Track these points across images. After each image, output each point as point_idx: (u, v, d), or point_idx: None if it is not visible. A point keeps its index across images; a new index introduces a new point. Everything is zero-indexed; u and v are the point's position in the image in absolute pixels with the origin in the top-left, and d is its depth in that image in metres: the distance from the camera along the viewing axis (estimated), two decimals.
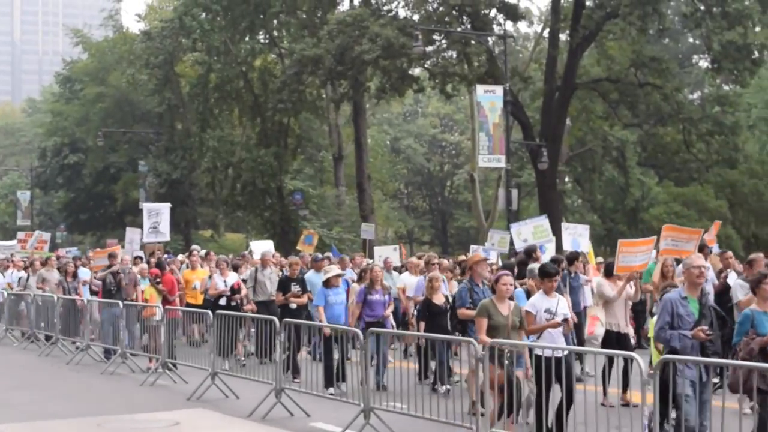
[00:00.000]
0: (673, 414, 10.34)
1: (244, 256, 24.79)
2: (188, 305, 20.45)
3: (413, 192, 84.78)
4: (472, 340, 11.36)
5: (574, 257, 17.55)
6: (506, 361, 10.38)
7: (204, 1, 49.58)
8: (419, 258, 21.84)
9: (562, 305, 11.65)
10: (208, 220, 68.65)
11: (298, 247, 31.94)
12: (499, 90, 35.49)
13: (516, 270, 15.75)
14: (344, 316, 16.13)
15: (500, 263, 21.15)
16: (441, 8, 40.37)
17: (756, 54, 38.03)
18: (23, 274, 26.03)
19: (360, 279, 18.08)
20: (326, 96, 48.98)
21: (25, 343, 22.91)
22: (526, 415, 11.29)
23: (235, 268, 21.10)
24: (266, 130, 51.00)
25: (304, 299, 17.74)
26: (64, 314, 21.38)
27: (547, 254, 21.12)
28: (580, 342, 14.96)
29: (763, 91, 56.48)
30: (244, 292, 19.51)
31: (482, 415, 10.40)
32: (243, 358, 17.97)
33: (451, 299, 15.65)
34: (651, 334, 11.63)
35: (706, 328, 9.66)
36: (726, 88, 50.84)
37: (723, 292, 15.03)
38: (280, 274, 19.34)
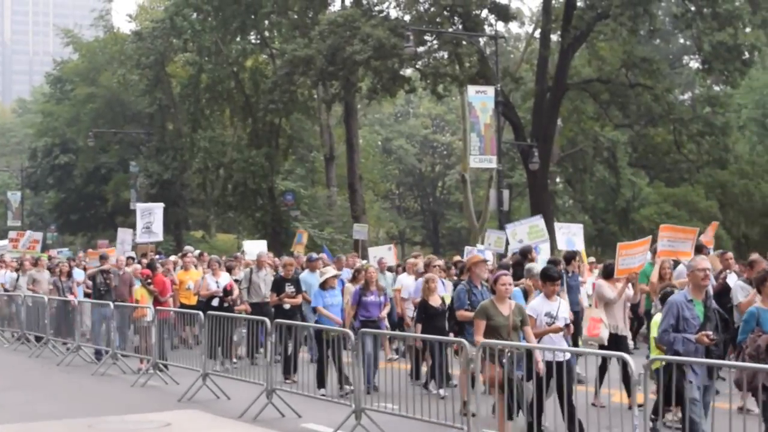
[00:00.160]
0: (669, 416, 10.35)
1: (237, 257, 24.75)
2: (182, 306, 20.40)
3: (404, 192, 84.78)
4: (464, 340, 11.36)
5: (571, 256, 17.57)
6: (505, 361, 10.28)
7: (195, 2, 49.53)
8: (416, 257, 21.79)
9: (563, 309, 11.57)
10: (199, 221, 68.55)
11: (292, 249, 31.94)
12: (490, 90, 35.51)
13: (511, 270, 15.71)
14: (340, 317, 16.15)
15: (495, 263, 21.21)
16: (432, 9, 40.38)
17: (746, 55, 38.14)
18: (14, 275, 25.95)
19: (354, 279, 17.98)
20: (317, 96, 48.98)
21: (15, 344, 22.86)
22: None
23: (229, 270, 21.04)
24: (257, 131, 50.99)
25: (299, 300, 17.71)
26: (56, 315, 21.34)
27: (542, 254, 21.17)
28: (576, 343, 14.97)
29: (753, 91, 56.61)
30: (236, 293, 19.47)
31: (473, 415, 10.41)
32: (236, 361, 17.93)
33: (447, 300, 15.68)
34: (654, 334, 11.61)
35: (710, 333, 9.55)
36: (716, 88, 50.95)
37: (722, 292, 15.02)
38: (275, 275, 19.29)
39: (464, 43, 39.77)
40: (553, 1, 43.01)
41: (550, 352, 10.48)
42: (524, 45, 58.54)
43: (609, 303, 14.00)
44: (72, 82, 66.18)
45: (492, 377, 10.34)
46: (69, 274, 23.58)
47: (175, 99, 55.32)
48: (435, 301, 15.38)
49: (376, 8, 43.23)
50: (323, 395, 13.87)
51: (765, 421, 9.53)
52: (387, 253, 26.29)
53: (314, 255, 21.38)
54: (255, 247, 29.55)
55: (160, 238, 28.04)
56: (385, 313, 16.52)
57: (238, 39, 51.88)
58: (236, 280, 20.12)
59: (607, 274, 14.58)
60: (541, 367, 10.35)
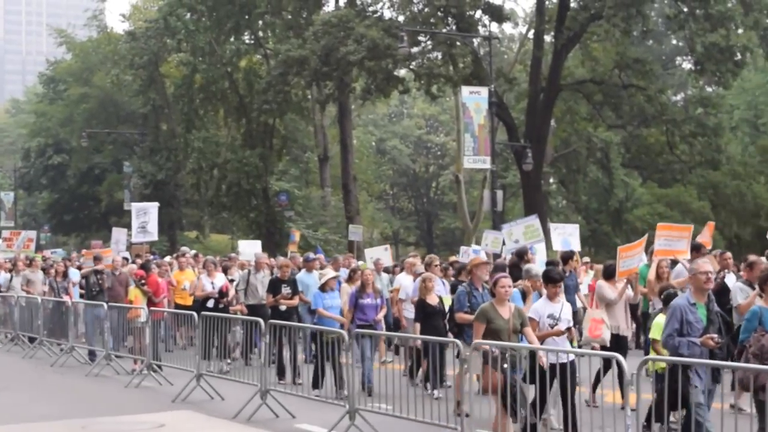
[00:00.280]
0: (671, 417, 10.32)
1: (231, 257, 24.71)
2: (177, 306, 20.39)
3: (399, 193, 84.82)
4: (457, 341, 11.36)
5: (568, 256, 17.54)
6: (506, 365, 10.21)
7: (189, 2, 49.51)
8: (414, 257, 21.75)
9: (566, 311, 11.47)
10: (193, 221, 68.51)
11: (286, 249, 31.92)
12: (484, 91, 35.56)
13: (507, 271, 15.70)
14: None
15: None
16: (426, 9, 40.42)
17: (738, 56, 38.22)
18: (8, 275, 25.87)
19: (350, 279, 17.86)
20: (311, 97, 48.97)
21: (9, 345, 22.83)
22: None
23: (225, 270, 20.99)
24: (251, 131, 50.99)
25: (295, 301, 17.55)
26: (50, 316, 21.30)
27: (537, 254, 21.15)
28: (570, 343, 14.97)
29: (745, 92, 56.79)
30: (231, 294, 19.40)
31: (467, 415, 10.44)
32: (230, 361, 17.90)
33: (446, 301, 15.67)
34: (653, 335, 11.55)
35: (715, 336, 9.47)
36: (709, 89, 51.06)
37: (720, 293, 15.03)
38: (272, 276, 19.15)
39: (458, 43, 39.82)
40: (547, 2, 43.09)
41: (553, 354, 10.45)
42: (518, 46, 58.64)
43: (610, 304, 13.99)
44: (65, 82, 66.15)
45: (494, 382, 10.25)
46: (65, 275, 23.51)
47: (169, 99, 55.31)
48: (432, 300, 15.31)
49: (370, 9, 43.27)
50: (317, 396, 13.86)
51: (760, 420, 9.52)
52: (383, 254, 26.18)
53: (311, 255, 21.22)
54: (250, 247, 29.59)
55: (155, 237, 28.05)
56: (381, 315, 16.39)
57: (232, 39, 51.84)
58: (231, 281, 20.08)
59: (608, 274, 14.53)
60: (545, 361, 10.33)
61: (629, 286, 14.34)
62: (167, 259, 27.01)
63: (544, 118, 42.30)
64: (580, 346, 13.53)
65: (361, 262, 23.84)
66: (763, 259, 16.09)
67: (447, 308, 15.66)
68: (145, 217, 27.37)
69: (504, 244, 23.53)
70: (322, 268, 20.01)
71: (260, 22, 51.73)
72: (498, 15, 42.68)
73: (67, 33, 68.65)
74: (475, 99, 35.39)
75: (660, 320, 11.36)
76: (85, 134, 56.08)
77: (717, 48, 36.85)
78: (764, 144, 52.43)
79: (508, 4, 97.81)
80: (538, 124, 41.70)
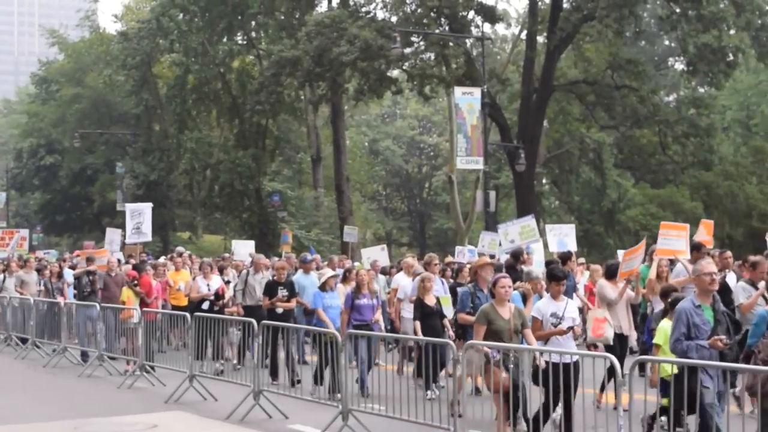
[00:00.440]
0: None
1: (225, 257, 24.65)
2: (172, 308, 20.34)
3: (391, 194, 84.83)
4: (450, 342, 11.35)
5: (567, 257, 17.52)
6: (511, 366, 10.14)
7: (181, 2, 49.43)
8: (413, 258, 21.73)
9: (570, 309, 11.33)
10: (186, 222, 68.42)
11: (279, 249, 31.84)
12: (476, 92, 35.58)
13: (503, 272, 15.66)
14: (339, 319, 15.93)
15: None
16: (419, 10, 40.44)
17: (730, 57, 38.30)
18: (1, 276, 25.78)
19: (345, 279, 17.68)
20: (304, 97, 48.94)
21: (2, 346, 22.77)
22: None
23: (221, 270, 20.92)
24: (244, 132, 50.96)
25: (292, 304, 17.35)
26: (43, 316, 21.25)
27: (534, 255, 21.15)
28: None
29: (737, 93, 56.93)
30: (227, 296, 19.30)
31: (460, 416, 10.43)
32: (223, 362, 17.84)
33: (444, 302, 15.65)
34: (657, 340, 11.44)
35: (723, 337, 9.34)
36: (701, 90, 51.20)
37: (722, 293, 14.95)
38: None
39: (451, 44, 39.83)
40: (540, 3, 43.15)
41: (556, 354, 10.40)
42: (511, 46, 58.63)
43: (611, 304, 13.95)
44: (58, 83, 66.05)
45: (496, 382, 10.21)
46: (59, 276, 23.44)
47: (162, 100, 55.25)
48: (430, 301, 15.30)
49: (363, 9, 43.28)
50: (316, 396, 13.80)
51: (764, 426, 9.37)
52: (380, 254, 26.14)
53: (308, 256, 21.13)
54: (244, 248, 29.58)
55: (149, 238, 28.02)
56: (378, 316, 16.34)
57: (224, 40, 51.81)
58: (227, 282, 20.01)
59: (610, 274, 14.51)
60: (543, 364, 10.32)
61: (629, 286, 14.29)
62: (162, 259, 26.97)
63: (537, 118, 42.35)
64: (588, 346, 13.52)
65: (357, 264, 23.79)
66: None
67: (445, 309, 15.69)
68: (140, 218, 27.31)
69: (500, 245, 23.49)
70: (318, 269, 19.92)
71: (253, 23, 51.71)
72: (491, 16, 42.72)
73: (60, 33, 68.53)
74: (467, 100, 35.40)
75: (665, 325, 11.21)
76: (78, 135, 56.01)
77: (709, 49, 36.93)
78: (756, 145, 52.55)
79: (500, 5, 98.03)
80: (530, 125, 41.74)
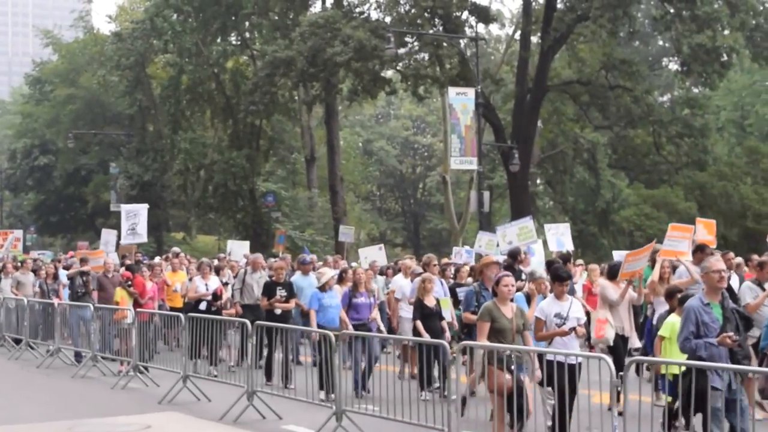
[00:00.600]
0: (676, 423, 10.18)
1: (221, 258, 24.58)
2: (170, 308, 20.27)
3: (385, 194, 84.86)
4: (444, 342, 11.31)
5: (566, 257, 17.47)
6: (513, 366, 10.06)
7: (175, 3, 49.39)
8: (410, 259, 21.69)
9: (574, 309, 11.18)
10: (180, 222, 68.38)
11: (274, 250, 31.78)
12: (470, 92, 35.59)
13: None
14: (338, 318, 15.75)
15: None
16: (413, 10, 40.41)
17: (725, 57, 38.29)
18: None
19: (341, 280, 17.63)
20: (298, 98, 48.95)
21: None
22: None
23: (218, 270, 20.87)
24: (238, 132, 50.92)
25: (291, 305, 17.20)
26: (37, 317, 21.19)
27: (536, 256, 21.10)
28: None
29: (731, 93, 57.07)
30: (225, 297, 19.24)
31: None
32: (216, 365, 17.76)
33: (443, 304, 15.60)
34: (662, 332, 11.39)
35: (732, 334, 9.18)
36: (695, 90, 51.24)
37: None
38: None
39: (445, 44, 39.82)
40: (533, 3, 43.17)
41: (560, 355, 10.29)
42: (504, 47, 58.70)
43: (613, 304, 13.86)
44: (52, 83, 65.98)
45: (500, 384, 10.12)
46: (55, 277, 23.38)
47: (156, 100, 55.19)
48: (430, 302, 15.25)
49: (357, 10, 43.27)
50: (310, 397, 13.76)
51: None
52: (378, 254, 26.08)
53: (307, 258, 21.05)
54: (240, 248, 29.56)
55: (144, 239, 27.98)
56: (374, 314, 16.28)
57: (218, 40, 51.79)
58: (225, 283, 19.94)
59: (612, 274, 14.41)
60: (538, 375, 10.27)
61: (631, 287, 14.21)
62: (157, 260, 26.93)
63: (531, 118, 42.37)
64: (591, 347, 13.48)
65: (354, 264, 23.75)
66: None
67: (444, 311, 15.64)
68: (135, 219, 27.24)
69: (498, 245, 23.46)
70: (314, 269, 19.84)
71: (247, 23, 51.68)
72: (485, 16, 42.74)
73: (54, 34, 68.50)
74: (461, 100, 35.40)
75: (672, 319, 11.22)
76: (72, 135, 55.91)
77: (703, 49, 36.92)
78: (751, 145, 52.64)
79: (494, 5, 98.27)
80: (524, 125, 41.76)
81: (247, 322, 14.09)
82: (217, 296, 18.87)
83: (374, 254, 25.99)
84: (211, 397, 14.57)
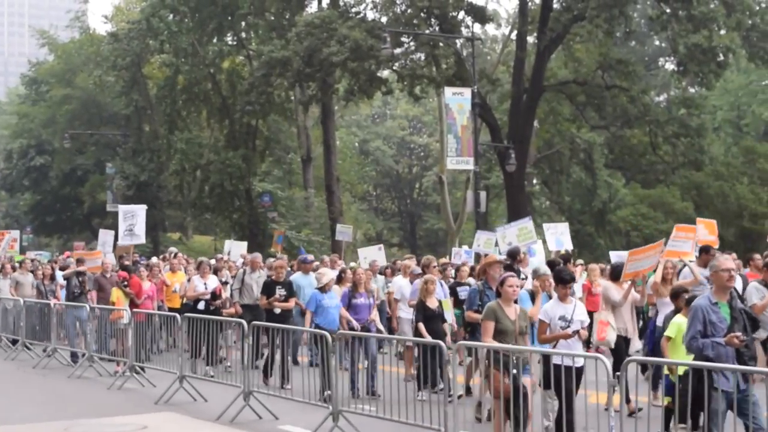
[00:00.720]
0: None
1: (219, 259, 24.56)
2: (168, 309, 20.23)
3: (382, 194, 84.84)
4: (441, 342, 11.30)
5: (567, 258, 17.43)
6: (513, 370, 9.98)
7: (171, 3, 49.36)
8: (410, 259, 21.67)
9: (579, 311, 11.14)
10: (176, 223, 68.36)
11: (272, 250, 31.71)
12: (467, 92, 35.58)
13: None
14: (337, 318, 15.68)
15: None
16: (409, 10, 40.39)
17: (721, 57, 38.28)
18: None
19: (340, 280, 17.62)
20: (294, 98, 48.91)
21: None
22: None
23: (216, 271, 20.86)
24: (234, 132, 50.91)
25: (291, 304, 17.20)
26: (34, 318, 21.15)
27: (537, 256, 21.07)
28: None
29: (728, 93, 57.09)
30: (224, 296, 19.21)
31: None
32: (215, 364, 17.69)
33: (445, 306, 15.56)
34: (668, 333, 11.33)
35: (739, 334, 9.03)
36: (692, 90, 51.28)
37: None
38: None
39: (441, 44, 39.82)
40: (530, 3, 43.16)
41: (568, 358, 10.30)
42: (501, 47, 58.67)
43: (616, 306, 13.77)
44: (48, 84, 65.89)
45: (497, 388, 10.07)
46: (52, 277, 23.35)
47: (152, 100, 55.17)
48: (432, 303, 15.18)
49: (353, 10, 43.25)
50: (306, 397, 13.75)
51: None
52: (378, 254, 26.04)
53: (309, 257, 21.00)
54: (238, 248, 29.54)
55: (142, 240, 27.93)
56: (374, 315, 16.20)
57: (214, 40, 51.74)
58: (224, 283, 19.91)
59: (615, 276, 14.32)
60: (535, 380, 10.22)
61: (634, 288, 14.14)
62: (154, 260, 26.90)
63: (527, 119, 42.35)
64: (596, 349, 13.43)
65: (352, 264, 23.72)
66: None
67: (446, 313, 15.62)
68: (133, 219, 27.16)
69: (497, 245, 23.44)
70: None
71: (243, 23, 51.66)
72: (481, 16, 42.73)
73: (50, 34, 68.37)
74: (458, 100, 35.39)
75: (678, 320, 11.17)
76: (68, 135, 55.87)
77: (700, 49, 36.93)
78: (747, 145, 52.67)
79: (491, 5, 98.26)
80: (521, 125, 41.75)
81: (244, 322, 14.08)
82: (215, 296, 18.84)
83: (374, 254, 25.96)
84: (207, 397, 14.56)
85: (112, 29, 57.84)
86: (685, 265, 15.68)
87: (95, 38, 62.02)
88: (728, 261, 9.62)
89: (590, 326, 13.49)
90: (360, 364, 14.80)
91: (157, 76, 56.25)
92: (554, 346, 10.89)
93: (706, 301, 9.37)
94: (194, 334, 15.19)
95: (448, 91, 36.33)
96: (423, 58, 41.25)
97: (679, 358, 10.48)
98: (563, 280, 11.28)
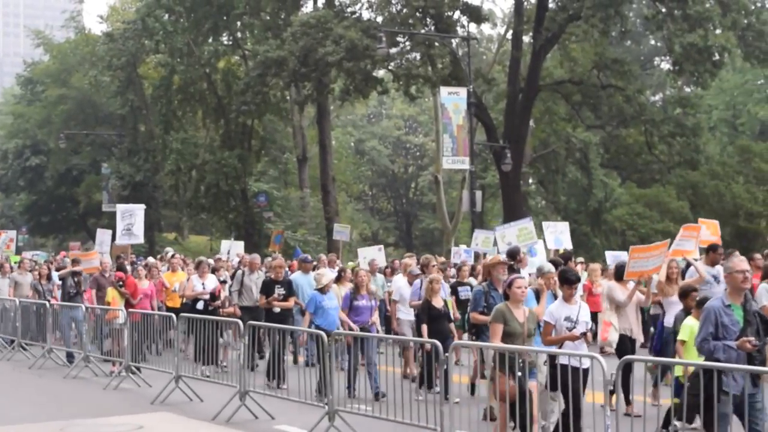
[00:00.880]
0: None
1: (217, 259, 24.55)
2: (166, 309, 20.20)
3: (378, 194, 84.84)
4: (437, 342, 11.27)
5: (567, 257, 17.40)
6: (518, 372, 9.84)
7: (167, 3, 49.31)
8: (410, 258, 21.61)
9: (584, 312, 11.04)
10: (172, 223, 68.29)
11: (270, 249, 31.65)
12: (462, 92, 35.59)
13: None
14: (337, 319, 15.60)
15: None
16: (404, 10, 40.37)
17: (716, 56, 38.31)
18: None
19: (339, 280, 17.37)
20: (290, 98, 48.91)
21: None
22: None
23: (214, 271, 20.82)
24: (230, 132, 50.87)
25: (290, 303, 17.17)
26: (29, 318, 21.12)
27: (538, 256, 21.05)
28: None
29: (723, 93, 57.17)
30: (223, 296, 19.17)
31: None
32: (225, 364, 17.60)
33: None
34: (681, 336, 11.18)
35: (752, 338, 8.83)
36: (687, 90, 51.30)
37: None
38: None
39: (437, 44, 39.82)
40: (525, 3, 43.18)
41: (575, 359, 10.26)
42: (496, 46, 58.76)
43: (620, 306, 13.64)
44: (43, 84, 65.83)
45: (502, 391, 9.96)
46: (48, 277, 23.32)
47: (147, 100, 55.12)
48: (438, 303, 15.07)
49: (349, 9, 43.20)
50: (302, 397, 13.73)
51: None
52: (378, 254, 26.00)
53: (309, 256, 20.95)
54: (234, 248, 29.52)
55: (140, 239, 27.93)
56: (375, 318, 16.07)
57: (210, 40, 51.71)
58: (223, 282, 19.87)
59: (619, 276, 14.11)
60: (541, 383, 10.20)
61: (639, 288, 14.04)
62: (150, 260, 26.86)
63: (523, 118, 42.36)
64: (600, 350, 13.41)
65: (350, 263, 23.71)
66: None
67: (451, 311, 15.61)
68: (131, 219, 27.16)
69: (495, 244, 23.41)
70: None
71: (238, 23, 51.61)
72: (476, 16, 42.74)
73: (45, 34, 68.34)
74: (453, 99, 35.41)
75: (690, 322, 11.05)
76: (63, 136, 55.80)
77: (695, 48, 36.93)
78: (743, 144, 52.69)
79: (486, 5, 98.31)
80: (516, 125, 41.76)
81: (240, 322, 14.06)
82: (214, 296, 18.81)
83: (373, 255, 25.93)
84: (203, 397, 14.55)
85: (108, 29, 57.79)
86: (688, 264, 15.67)
87: (90, 38, 61.99)
88: (743, 262, 9.42)
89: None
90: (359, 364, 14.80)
91: (153, 76, 56.21)
92: (560, 347, 10.81)
93: (720, 302, 9.19)
94: (194, 334, 15.15)
95: (444, 91, 36.35)
96: (418, 57, 41.25)
97: (692, 360, 10.35)
98: (569, 280, 11.17)
